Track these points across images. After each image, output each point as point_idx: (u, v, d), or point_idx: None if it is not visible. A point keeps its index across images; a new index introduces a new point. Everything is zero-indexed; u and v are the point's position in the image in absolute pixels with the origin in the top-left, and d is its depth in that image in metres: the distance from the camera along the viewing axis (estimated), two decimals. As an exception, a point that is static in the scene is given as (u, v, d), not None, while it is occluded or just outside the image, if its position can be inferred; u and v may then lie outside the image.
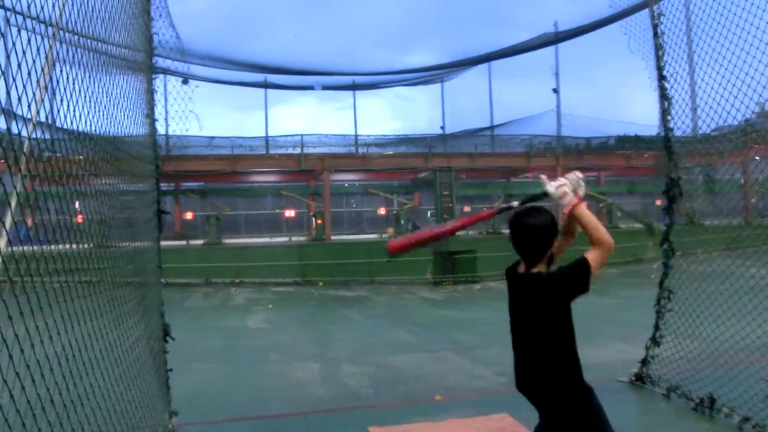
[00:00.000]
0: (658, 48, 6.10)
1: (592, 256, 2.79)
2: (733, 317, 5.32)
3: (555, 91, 31.28)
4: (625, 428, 5.27)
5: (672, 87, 6.00)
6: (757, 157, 7.04)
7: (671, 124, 6.04)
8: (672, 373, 5.96)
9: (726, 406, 5.19)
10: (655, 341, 6.27)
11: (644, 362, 6.36)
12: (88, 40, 3.03)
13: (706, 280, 5.78)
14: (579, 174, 2.99)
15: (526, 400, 3.02)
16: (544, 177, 3.03)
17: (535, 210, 2.94)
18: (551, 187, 2.94)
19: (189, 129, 6.22)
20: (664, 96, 6.05)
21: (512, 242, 2.97)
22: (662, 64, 6.07)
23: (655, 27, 6.09)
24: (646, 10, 6.18)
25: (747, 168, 6.84)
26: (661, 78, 6.06)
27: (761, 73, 4.59)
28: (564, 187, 2.91)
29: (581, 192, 2.95)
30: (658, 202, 6.85)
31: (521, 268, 3.00)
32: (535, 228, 2.87)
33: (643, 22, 6.27)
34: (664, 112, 6.06)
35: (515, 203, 3.18)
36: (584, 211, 2.87)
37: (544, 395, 2.94)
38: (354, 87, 33.64)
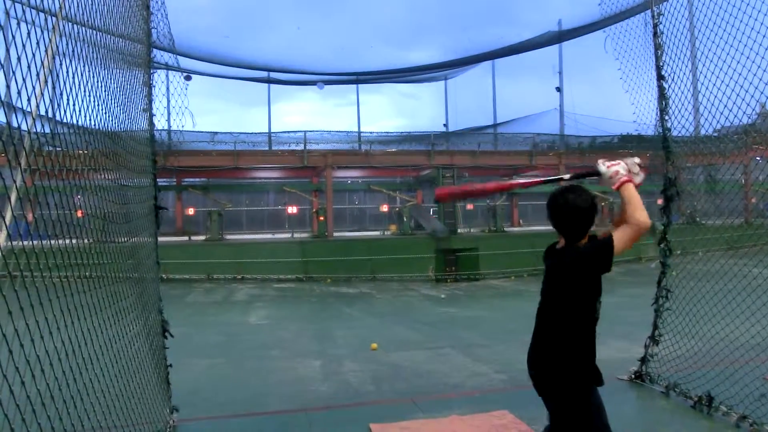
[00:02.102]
0: (657, 48, 6.08)
1: (619, 234, 2.81)
2: (727, 317, 5.32)
3: (558, 89, 31.26)
4: (625, 426, 5.27)
5: (670, 87, 5.98)
6: (758, 158, 7.03)
7: (668, 124, 6.03)
8: (671, 371, 5.96)
9: (724, 404, 5.21)
10: (654, 340, 6.27)
11: (643, 360, 6.36)
12: (88, 34, 3.02)
13: (703, 279, 5.78)
14: (637, 159, 3.02)
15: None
16: (601, 160, 3.09)
17: (578, 189, 2.97)
18: (604, 166, 3.01)
19: (184, 125, 6.20)
20: (662, 95, 6.04)
21: (552, 220, 2.99)
22: (661, 64, 6.05)
23: (654, 26, 6.07)
24: (647, 11, 6.17)
25: (748, 168, 6.82)
26: (660, 78, 6.04)
27: (762, 71, 4.58)
28: (617, 167, 2.96)
29: (637, 179, 2.97)
30: (660, 202, 6.87)
31: (560, 244, 3.03)
32: (575, 207, 2.91)
33: (640, 23, 6.27)
34: (662, 112, 6.05)
35: (566, 176, 3.25)
36: (632, 190, 2.90)
37: (553, 373, 2.94)
38: (357, 81, 33.60)
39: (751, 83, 4.73)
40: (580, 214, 2.90)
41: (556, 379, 2.93)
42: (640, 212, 2.80)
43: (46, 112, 2.54)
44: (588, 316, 2.93)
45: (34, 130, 2.35)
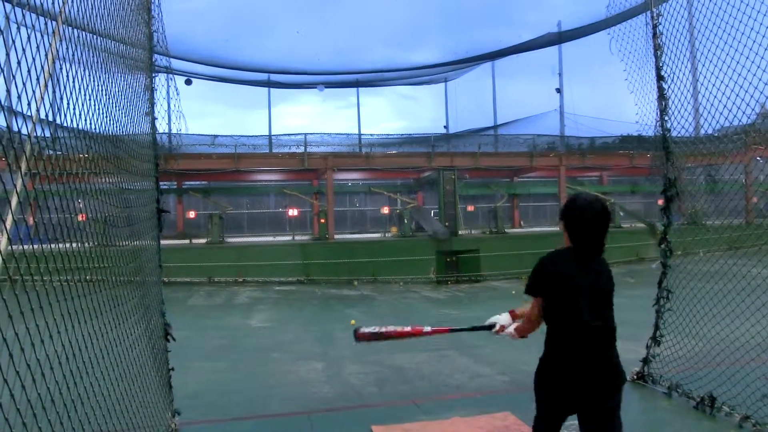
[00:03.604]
0: (657, 48, 6.08)
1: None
2: (729, 317, 5.32)
3: (558, 91, 31.26)
4: (627, 426, 5.26)
5: (669, 87, 5.98)
6: (758, 158, 7.02)
7: (668, 125, 6.03)
8: (673, 371, 5.96)
9: (726, 404, 5.21)
10: (655, 340, 6.27)
11: (645, 361, 6.36)
12: (89, 38, 3.03)
13: (702, 280, 5.78)
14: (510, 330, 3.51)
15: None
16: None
17: (593, 195, 3.17)
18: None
19: (181, 129, 6.21)
20: (661, 96, 6.04)
21: (587, 229, 2.99)
22: (660, 65, 6.05)
23: (654, 27, 6.07)
24: (646, 12, 6.17)
25: (749, 169, 6.82)
26: (660, 78, 6.04)
27: (762, 70, 4.58)
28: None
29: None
30: (660, 202, 6.89)
31: (582, 257, 3.02)
32: (610, 214, 3.07)
33: (642, 24, 6.26)
34: (662, 113, 6.05)
35: (465, 327, 4.07)
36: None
37: (618, 381, 3.04)
38: (357, 84, 33.62)
39: (750, 83, 4.73)
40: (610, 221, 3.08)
41: (620, 386, 3.05)
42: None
43: (47, 116, 2.55)
44: None
45: (35, 134, 2.35)
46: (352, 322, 9.00)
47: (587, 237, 2.98)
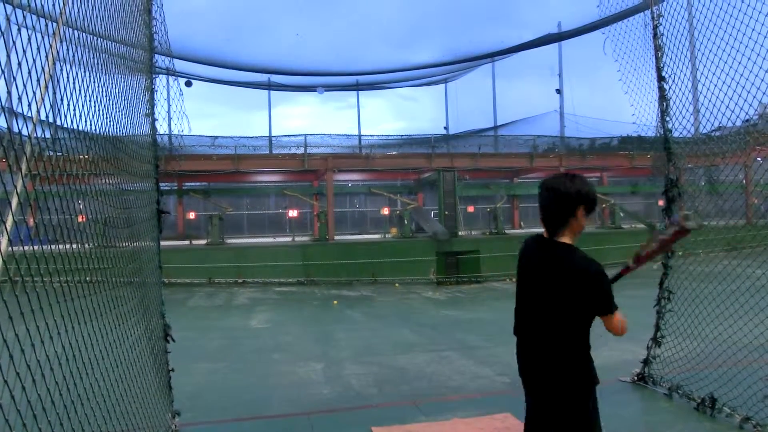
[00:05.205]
0: (658, 49, 6.08)
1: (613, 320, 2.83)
2: (730, 318, 5.32)
3: (558, 91, 31.27)
4: (628, 428, 5.28)
5: (670, 88, 5.98)
6: (759, 159, 7.02)
7: (670, 125, 6.03)
8: (673, 372, 5.96)
9: (727, 405, 5.21)
10: (656, 341, 6.27)
11: (646, 362, 6.36)
12: (89, 39, 3.03)
13: (705, 280, 5.78)
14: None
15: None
16: None
17: (572, 176, 2.87)
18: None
19: (183, 130, 6.22)
20: (662, 97, 6.04)
21: (539, 202, 2.92)
22: (661, 65, 6.05)
23: (654, 28, 6.07)
24: (645, 12, 6.17)
25: (749, 169, 6.82)
26: (660, 79, 6.05)
27: (763, 71, 4.58)
28: None
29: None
30: (661, 203, 6.88)
31: (545, 234, 2.93)
32: (557, 192, 2.82)
33: (638, 24, 6.27)
34: (663, 113, 6.05)
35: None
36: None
37: (552, 377, 2.87)
38: (357, 87, 33.65)
39: (753, 84, 4.73)
40: (560, 199, 2.83)
41: (558, 383, 2.86)
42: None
43: (47, 117, 2.55)
44: (589, 317, 2.91)
45: (35, 136, 2.35)
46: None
47: (541, 211, 2.92)
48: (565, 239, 2.86)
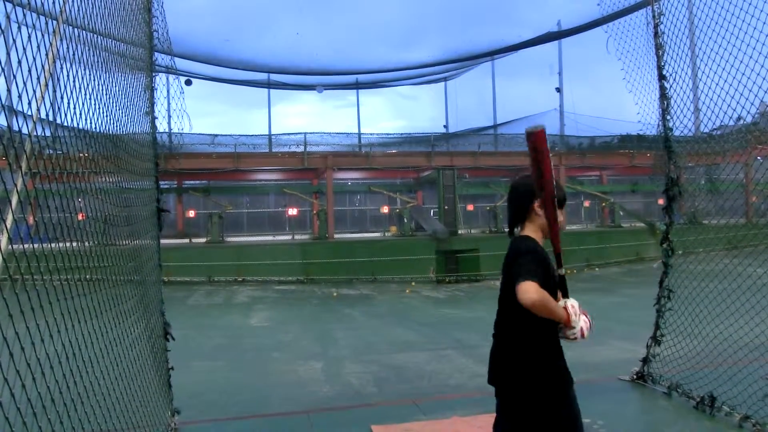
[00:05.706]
0: (658, 48, 6.08)
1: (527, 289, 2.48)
2: (730, 317, 5.32)
3: (558, 90, 31.26)
4: (627, 426, 5.29)
5: (671, 87, 5.98)
6: (759, 158, 7.02)
7: (670, 124, 6.03)
8: (673, 371, 5.96)
9: (726, 404, 5.20)
10: (655, 340, 6.27)
11: (645, 361, 6.36)
12: (89, 37, 3.03)
13: (705, 279, 5.78)
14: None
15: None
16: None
17: (528, 175, 2.82)
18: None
19: (183, 128, 6.22)
20: (663, 96, 6.04)
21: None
22: (662, 64, 6.05)
23: (655, 26, 6.07)
24: (645, 9, 6.17)
25: (749, 168, 6.82)
26: (661, 78, 6.04)
27: (764, 69, 4.58)
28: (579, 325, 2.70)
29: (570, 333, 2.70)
30: (661, 201, 6.91)
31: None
32: (512, 189, 2.96)
33: (640, 22, 6.26)
34: (664, 112, 6.05)
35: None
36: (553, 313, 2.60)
37: (514, 377, 2.70)
38: (357, 86, 33.65)
39: (755, 83, 4.73)
40: (516, 195, 2.89)
41: (522, 383, 2.68)
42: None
43: (47, 115, 2.55)
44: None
45: (35, 133, 2.35)
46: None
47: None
48: (526, 233, 2.84)
